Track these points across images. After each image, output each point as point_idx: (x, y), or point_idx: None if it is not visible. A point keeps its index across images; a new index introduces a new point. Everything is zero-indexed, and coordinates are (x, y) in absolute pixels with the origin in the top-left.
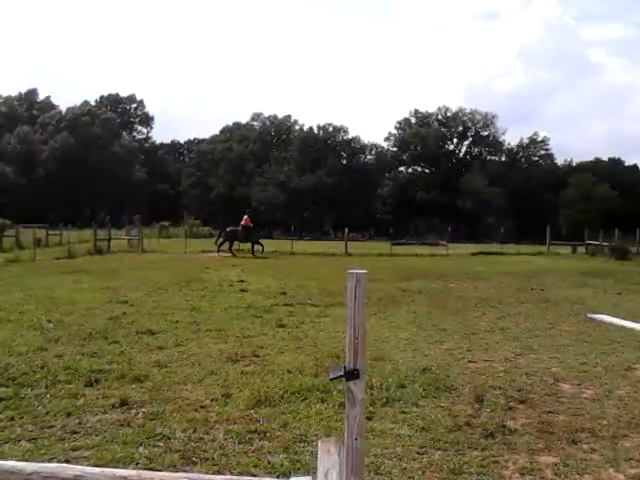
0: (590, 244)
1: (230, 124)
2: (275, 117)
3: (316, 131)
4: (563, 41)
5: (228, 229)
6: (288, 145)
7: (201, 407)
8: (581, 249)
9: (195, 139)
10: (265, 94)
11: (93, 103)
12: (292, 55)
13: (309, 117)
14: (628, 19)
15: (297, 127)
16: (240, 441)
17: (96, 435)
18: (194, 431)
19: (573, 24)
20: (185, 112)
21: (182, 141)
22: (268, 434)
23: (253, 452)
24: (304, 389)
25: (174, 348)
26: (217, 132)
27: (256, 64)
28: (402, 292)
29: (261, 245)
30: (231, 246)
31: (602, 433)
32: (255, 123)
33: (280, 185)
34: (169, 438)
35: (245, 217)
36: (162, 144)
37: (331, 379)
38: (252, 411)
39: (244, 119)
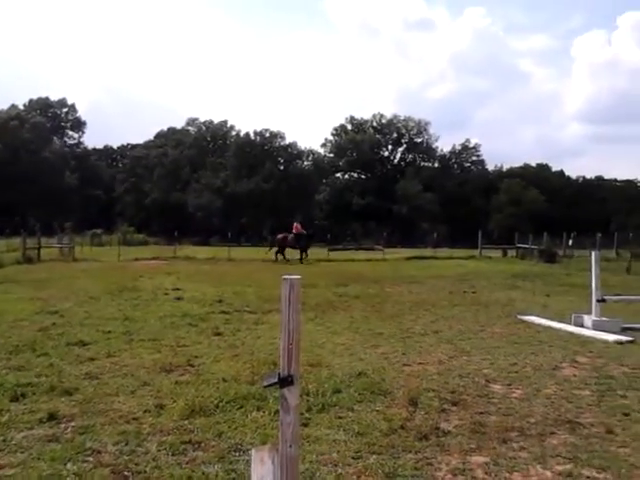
0: (520, 247)
1: (165, 129)
2: (211, 122)
3: (253, 137)
4: (493, 50)
5: (279, 236)
6: (224, 151)
7: (133, 419)
8: (511, 252)
9: (129, 144)
10: (201, 99)
11: (22, 107)
12: (228, 61)
13: (246, 123)
14: (552, 31)
15: (233, 132)
16: (174, 452)
17: (22, 452)
18: (126, 444)
19: (502, 34)
20: (118, 117)
21: (115, 146)
22: (203, 444)
23: (187, 463)
24: (240, 397)
25: (106, 359)
26: (151, 137)
27: (191, 69)
28: (339, 297)
29: (306, 253)
30: (282, 252)
31: (531, 431)
32: (190, 128)
33: (217, 191)
34: (100, 452)
35: (295, 224)
36: (95, 149)
37: (265, 386)
38: (186, 421)
39: (179, 124)
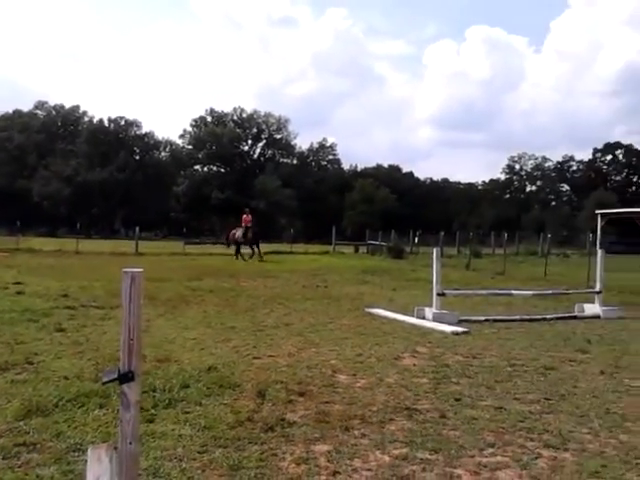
0: (370, 244)
1: (10, 112)
2: (62, 107)
3: (107, 124)
4: (352, 52)
5: (231, 231)
6: (76, 137)
7: None
8: (363, 248)
9: None
10: (52, 82)
11: None
12: (83, 45)
13: (100, 109)
14: (408, 37)
15: (86, 119)
16: (5, 456)
17: None
18: None
19: (361, 37)
20: None
21: None
22: (39, 446)
23: (20, 466)
24: (82, 395)
25: None
26: None
27: (41, 51)
28: (193, 291)
29: (257, 249)
30: (237, 249)
31: (372, 419)
32: (39, 112)
33: (66, 179)
34: None
35: (244, 216)
36: None
37: (104, 382)
38: (21, 422)
39: (26, 107)
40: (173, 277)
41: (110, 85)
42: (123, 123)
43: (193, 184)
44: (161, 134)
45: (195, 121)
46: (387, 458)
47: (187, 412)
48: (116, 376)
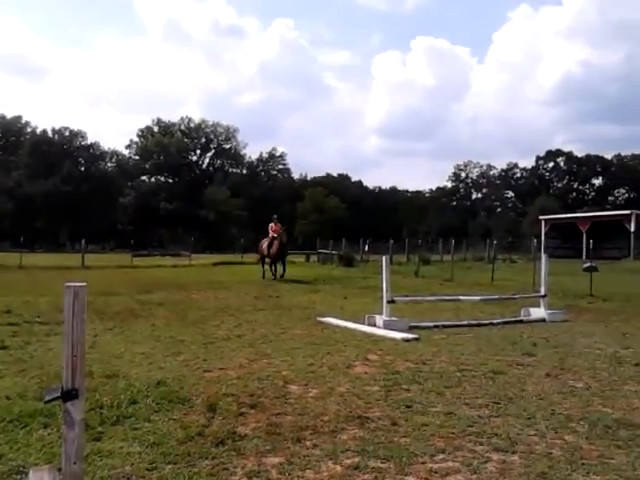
0: (321, 252)
1: None
2: (3, 117)
3: (51, 134)
4: (300, 62)
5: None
6: (18, 148)
7: None
8: (314, 257)
9: None
10: None
11: None
12: (25, 52)
13: (43, 119)
14: (354, 48)
15: (29, 129)
16: None
17: None
18: None
19: (309, 47)
20: None
21: None
22: None
23: None
24: (25, 415)
25: None
26: None
27: None
28: (141, 305)
29: (281, 265)
30: (263, 264)
31: (324, 429)
32: None
33: (8, 192)
34: None
35: (271, 224)
36: None
37: (46, 401)
38: None
39: None
40: (121, 290)
41: (54, 95)
42: (67, 134)
43: (140, 195)
44: (107, 145)
45: (142, 131)
46: (339, 468)
47: (136, 429)
48: (59, 394)
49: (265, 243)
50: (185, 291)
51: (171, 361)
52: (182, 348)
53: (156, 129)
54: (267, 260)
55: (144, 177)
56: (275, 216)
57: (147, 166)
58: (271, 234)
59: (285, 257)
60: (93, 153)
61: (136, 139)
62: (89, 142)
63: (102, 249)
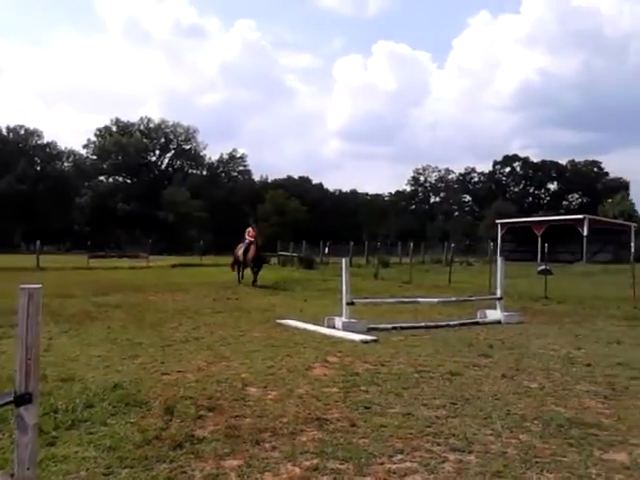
0: (282, 255)
1: None
2: None
3: (5, 133)
4: (261, 64)
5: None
6: None
7: None
8: (274, 259)
9: None
10: None
11: None
12: None
13: None
14: (316, 51)
15: None
16: None
17: None
18: None
19: (270, 49)
20: None
21: None
22: None
23: None
24: None
25: None
26: None
27: None
28: (98, 307)
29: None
30: (238, 269)
31: (282, 431)
32: None
33: None
34: None
35: (248, 229)
36: None
37: None
38: None
39: None
40: (77, 292)
41: (9, 94)
42: (23, 132)
43: (98, 195)
44: (64, 144)
45: (100, 131)
46: (298, 470)
47: (91, 433)
48: (11, 398)
49: (242, 249)
50: (142, 293)
51: (128, 364)
52: (139, 351)
53: (114, 129)
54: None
55: (102, 177)
56: (252, 219)
57: (105, 166)
58: (247, 239)
59: (262, 263)
60: (49, 152)
61: (94, 139)
62: (45, 141)
63: (58, 250)
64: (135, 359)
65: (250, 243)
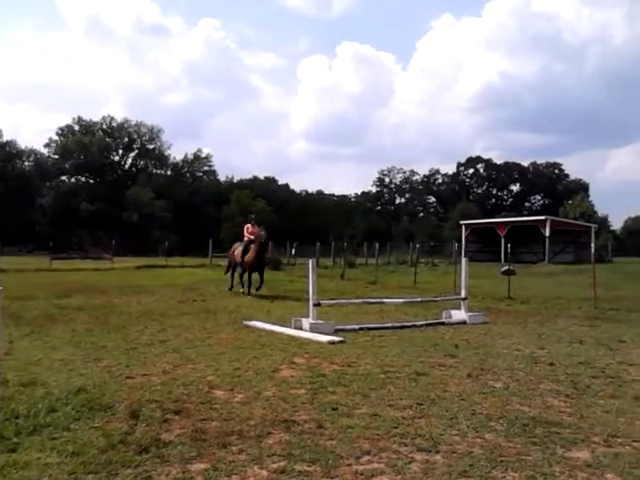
0: None
1: None
2: None
3: None
4: (226, 64)
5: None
6: None
7: None
8: None
9: None
10: None
11: None
12: None
13: None
14: (281, 51)
15: None
16: None
17: None
18: None
19: (235, 48)
20: None
21: None
22: None
23: None
24: None
25: None
26: None
27: None
28: (61, 309)
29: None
30: (233, 273)
31: (250, 434)
32: None
33: None
34: None
35: (247, 225)
36: None
37: None
38: None
39: None
40: (39, 294)
41: None
42: None
43: (60, 196)
44: (24, 143)
45: (61, 130)
46: (265, 473)
47: (54, 438)
48: None
49: (239, 248)
50: (107, 295)
51: (92, 367)
52: (104, 354)
53: (77, 128)
54: (238, 270)
55: (64, 177)
56: (252, 215)
57: (67, 166)
58: (247, 237)
59: (264, 266)
60: (9, 152)
61: (55, 138)
62: (5, 140)
63: (19, 251)
64: (99, 362)
65: (250, 242)
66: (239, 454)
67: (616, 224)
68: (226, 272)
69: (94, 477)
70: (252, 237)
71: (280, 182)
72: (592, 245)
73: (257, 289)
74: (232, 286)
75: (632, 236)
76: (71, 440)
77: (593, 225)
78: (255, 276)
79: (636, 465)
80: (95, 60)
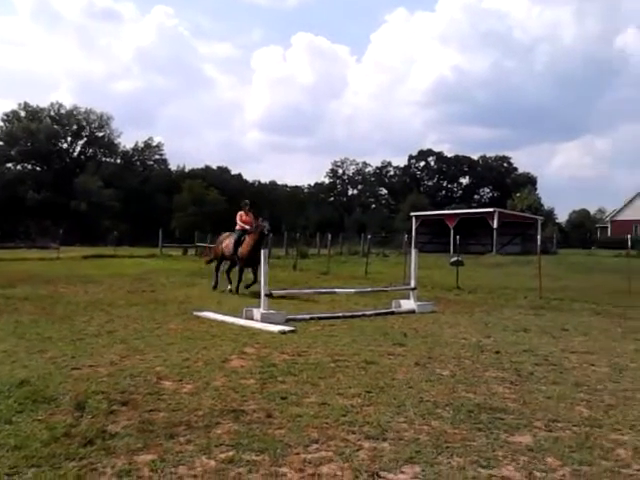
0: (199, 246)
1: None
2: None
3: None
4: (179, 52)
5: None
6: None
7: None
8: (191, 250)
9: None
10: None
11: None
12: None
13: None
14: (235, 41)
15: None
16: None
17: None
18: None
19: (188, 37)
20: None
21: None
22: None
23: None
24: None
25: None
26: None
27: None
28: (5, 299)
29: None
30: (218, 267)
31: (198, 424)
32: None
33: None
34: None
35: (240, 213)
36: None
37: None
38: None
39: None
40: None
41: None
42: None
43: (5, 184)
44: None
45: (7, 115)
46: (213, 462)
47: None
48: None
49: (229, 239)
50: (53, 285)
51: (36, 359)
52: (49, 345)
53: (23, 114)
54: (224, 264)
55: (9, 164)
56: (247, 201)
57: (13, 153)
58: (240, 226)
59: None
60: None
61: (0, 124)
62: None
63: None
64: (44, 354)
65: (244, 232)
66: (187, 444)
67: (561, 217)
68: (208, 262)
69: (36, 471)
70: (246, 226)
71: (233, 172)
72: (538, 237)
73: (247, 287)
74: (217, 283)
75: (576, 229)
76: (13, 433)
77: (540, 218)
78: (247, 272)
79: (576, 449)
80: (43, 45)
